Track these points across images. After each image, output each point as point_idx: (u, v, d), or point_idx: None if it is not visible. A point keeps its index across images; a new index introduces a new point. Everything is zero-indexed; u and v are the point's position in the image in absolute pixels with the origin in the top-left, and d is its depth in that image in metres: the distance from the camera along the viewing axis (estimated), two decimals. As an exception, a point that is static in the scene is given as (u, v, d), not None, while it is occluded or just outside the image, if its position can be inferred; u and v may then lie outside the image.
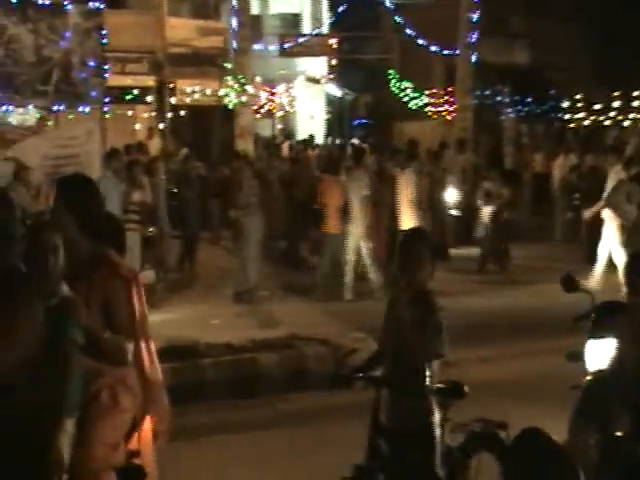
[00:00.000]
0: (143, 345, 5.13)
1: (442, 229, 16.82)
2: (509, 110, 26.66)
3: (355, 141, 25.96)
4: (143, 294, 5.12)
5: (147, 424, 5.15)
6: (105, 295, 4.80)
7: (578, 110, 30.14)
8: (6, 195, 4.81)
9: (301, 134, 26.60)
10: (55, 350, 4.38)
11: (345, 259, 13.93)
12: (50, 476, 4.28)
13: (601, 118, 29.39)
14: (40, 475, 4.28)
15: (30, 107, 15.68)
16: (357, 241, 13.87)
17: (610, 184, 14.18)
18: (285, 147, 21.63)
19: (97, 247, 4.95)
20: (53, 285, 4.63)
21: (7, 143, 15.32)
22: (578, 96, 29.80)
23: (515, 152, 23.25)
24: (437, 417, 5.26)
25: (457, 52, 23.27)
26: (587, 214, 14.74)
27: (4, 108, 15.69)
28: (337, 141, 25.55)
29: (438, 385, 5.24)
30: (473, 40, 22.74)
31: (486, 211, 16.00)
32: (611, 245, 13.79)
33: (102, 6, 16.33)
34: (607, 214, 13.85)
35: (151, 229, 14.08)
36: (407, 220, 14.23)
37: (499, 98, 27.43)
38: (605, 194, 14.03)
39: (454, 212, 17.41)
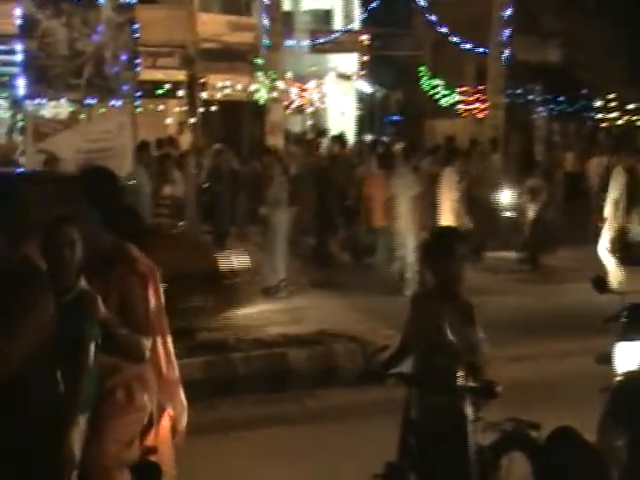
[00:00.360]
0: (160, 342, 5.06)
1: (481, 229, 16.76)
2: (541, 109, 26.53)
3: (384, 139, 25.90)
4: (161, 289, 5.06)
5: (165, 421, 5.10)
6: (122, 291, 4.75)
7: (611, 110, 29.94)
8: (11, 194, 4.80)
9: (332, 131, 26.58)
10: (69, 347, 4.34)
11: (395, 255, 13.97)
12: (61, 473, 4.26)
13: (634, 118, 29.18)
14: (51, 472, 4.26)
15: (63, 100, 15.73)
16: (404, 238, 13.86)
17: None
18: (322, 143, 21.67)
19: (117, 242, 4.89)
20: (70, 280, 4.58)
21: (40, 136, 15.42)
22: (611, 95, 29.59)
23: (546, 151, 23.12)
24: (469, 416, 5.24)
25: (489, 50, 23.17)
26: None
27: (37, 101, 15.76)
28: (368, 138, 25.49)
29: (471, 384, 5.22)
30: (505, 38, 22.63)
31: (532, 209, 15.96)
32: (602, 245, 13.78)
33: (134, 0, 16.36)
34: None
35: (181, 223, 14.13)
36: (448, 219, 14.24)
37: (531, 97, 27.30)
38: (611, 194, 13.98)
39: (509, 214, 17.22)
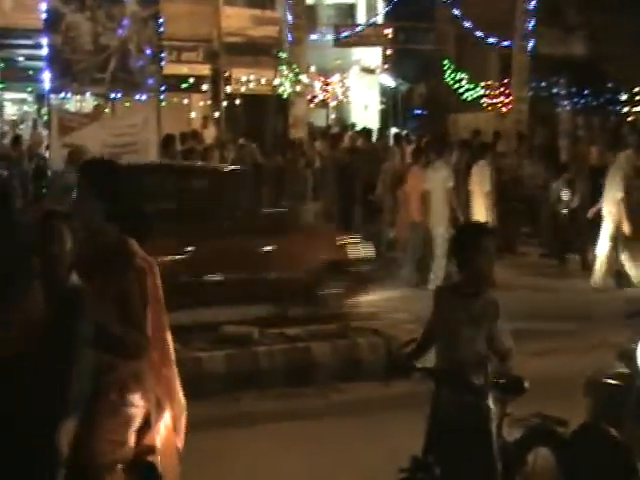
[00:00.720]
0: (158, 338, 4.91)
1: (513, 224, 16.74)
2: (565, 102, 26.40)
3: (408, 133, 25.84)
4: (159, 284, 4.90)
5: (165, 421, 4.95)
6: (119, 286, 4.64)
7: (636, 103, 29.71)
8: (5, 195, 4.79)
9: (356, 125, 26.55)
10: (61, 345, 4.27)
11: (428, 249, 14.01)
12: (47, 471, 4.21)
13: (661, 112, 28.95)
14: (36, 470, 4.21)
15: (87, 94, 15.82)
16: (437, 232, 13.87)
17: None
18: (346, 138, 21.68)
19: (119, 236, 4.79)
20: (61, 275, 4.48)
21: (65, 130, 15.51)
22: (636, 89, 29.37)
23: (570, 145, 23.00)
24: (494, 412, 5.22)
25: (513, 43, 23.07)
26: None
27: (62, 95, 15.85)
28: (392, 132, 25.45)
29: (496, 380, 5.20)
30: (529, 31, 22.53)
31: (569, 203, 15.93)
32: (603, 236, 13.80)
33: (159, -6, 16.43)
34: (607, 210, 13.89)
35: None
36: (480, 213, 14.23)
37: (555, 90, 27.15)
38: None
39: (564, 211, 17.08)
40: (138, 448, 4.77)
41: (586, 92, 29.49)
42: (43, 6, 15.47)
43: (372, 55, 28.94)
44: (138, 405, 4.73)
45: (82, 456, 4.40)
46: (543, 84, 27.28)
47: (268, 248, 11.60)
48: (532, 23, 22.48)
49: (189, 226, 11.08)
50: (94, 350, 4.44)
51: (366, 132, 21.06)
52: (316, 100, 26.20)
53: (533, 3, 22.41)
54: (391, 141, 21.32)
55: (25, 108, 22.82)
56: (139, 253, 4.81)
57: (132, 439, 4.73)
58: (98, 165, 5.22)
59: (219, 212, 11.50)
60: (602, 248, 13.88)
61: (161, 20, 16.28)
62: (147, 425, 4.80)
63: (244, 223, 11.42)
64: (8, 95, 22.32)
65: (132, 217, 5.02)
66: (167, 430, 4.95)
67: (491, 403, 5.19)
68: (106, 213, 4.70)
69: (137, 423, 4.75)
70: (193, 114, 23.08)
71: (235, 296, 11.17)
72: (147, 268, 4.79)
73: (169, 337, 5.03)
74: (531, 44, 22.64)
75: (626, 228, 13.53)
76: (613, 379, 6.25)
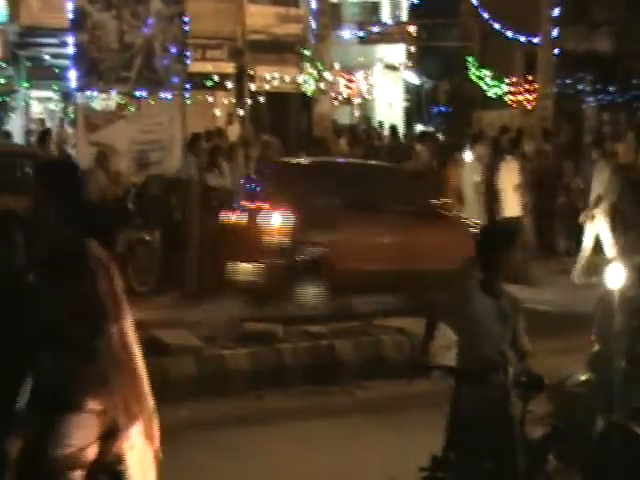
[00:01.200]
0: (119, 339, 4.61)
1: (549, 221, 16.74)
2: (590, 99, 26.26)
3: (426, 129, 25.82)
4: (118, 282, 4.66)
5: (135, 428, 4.61)
6: (74, 290, 4.46)
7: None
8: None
9: (381, 122, 26.56)
10: (9, 350, 4.28)
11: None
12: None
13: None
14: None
15: (113, 93, 15.91)
16: None
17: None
18: (382, 134, 21.80)
19: (75, 238, 4.59)
20: (10, 280, 4.45)
21: (92, 127, 15.61)
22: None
23: (596, 142, 22.86)
24: (516, 410, 5.24)
25: (537, 40, 22.99)
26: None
27: (88, 93, 15.94)
28: (418, 129, 25.46)
29: (519, 378, 5.23)
30: (555, 28, 22.44)
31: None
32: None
33: (184, -7, 16.50)
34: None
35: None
36: (511, 209, 14.27)
37: (580, 87, 27.02)
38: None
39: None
40: (104, 456, 4.55)
41: (612, 89, 29.33)
42: (69, 5, 15.57)
43: (396, 52, 28.90)
44: (98, 409, 4.50)
45: (39, 459, 4.31)
46: (568, 81, 27.14)
47: (443, 236, 12.04)
48: (558, 21, 22.37)
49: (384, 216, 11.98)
50: (53, 355, 4.38)
51: (392, 129, 21.13)
52: (340, 97, 26.21)
53: (558, 1, 22.32)
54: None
55: (51, 106, 22.95)
56: (96, 254, 4.59)
57: (93, 445, 4.50)
58: (54, 165, 5.10)
59: (403, 203, 12.43)
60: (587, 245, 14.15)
61: (186, 18, 16.33)
62: (114, 432, 4.54)
63: (421, 214, 12.15)
64: (34, 93, 22.45)
65: (91, 217, 4.88)
66: (138, 438, 4.63)
67: (513, 400, 5.22)
68: (63, 214, 4.55)
69: (99, 428, 4.51)
70: (218, 112, 23.16)
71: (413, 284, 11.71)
72: (102, 268, 4.57)
73: (132, 335, 4.69)
74: (556, 41, 22.53)
75: None
76: (577, 386, 6.20)
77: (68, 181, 4.66)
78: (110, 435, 4.51)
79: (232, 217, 12.53)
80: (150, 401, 4.64)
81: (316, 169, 13.35)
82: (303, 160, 14.68)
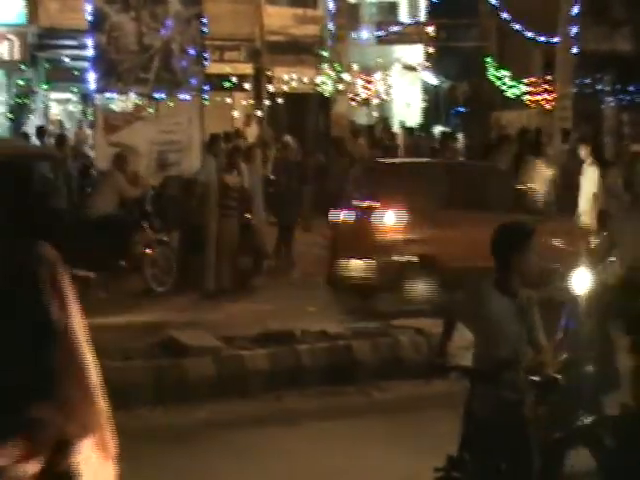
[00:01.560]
0: (67, 344, 4.33)
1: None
2: (610, 99, 26.15)
3: (446, 129, 25.78)
4: (64, 288, 4.34)
5: (87, 440, 4.29)
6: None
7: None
8: None
9: (397, 122, 26.58)
10: None
11: None
12: None
13: None
14: None
15: (132, 94, 15.96)
16: None
17: None
18: (399, 135, 21.83)
19: (17, 244, 4.32)
20: None
21: (111, 128, 15.68)
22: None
23: (615, 142, 22.81)
24: (532, 410, 5.25)
25: (556, 39, 22.90)
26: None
27: (107, 95, 16.00)
28: (437, 130, 25.44)
29: (533, 378, 5.22)
30: (574, 27, 22.35)
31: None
32: None
33: (202, -6, 16.54)
34: None
35: (248, 215, 14.26)
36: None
37: (600, 87, 26.91)
38: None
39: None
40: (53, 470, 4.23)
41: (631, 88, 29.21)
42: (88, 7, 15.63)
43: (414, 53, 28.92)
44: (38, 420, 4.25)
45: None
46: (587, 80, 27.05)
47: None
48: (577, 20, 22.27)
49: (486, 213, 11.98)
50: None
51: (409, 130, 21.15)
52: (358, 98, 26.23)
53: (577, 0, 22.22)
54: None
55: (70, 108, 23.07)
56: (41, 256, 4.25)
57: (34, 456, 4.20)
58: None
59: (502, 200, 12.65)
60: None
61: (204, 20, 16.38)
62: (64, 445, 4.30)
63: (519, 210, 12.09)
64: (54, 95, 22.58)
65: (42, 218, 4.63)
66: (93, 450, 4.35)
67: (529, 401, 5.22)
68: (6, 219, 4.44)
69: (44, 440, 4.24)
70: (236, 113, 23.24)
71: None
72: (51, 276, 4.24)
73: (84, 342, 4.40)
74: (575, 40, 22.44)
75: None
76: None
77: (10, 185, 4.47)
78: (60, 448, 3.77)
79: (341, 215, 13.10)
80: (105, 410, 3.96)
81: (422, 169, 14.02)
82: (409, 160, 15.70)
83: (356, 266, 12.61)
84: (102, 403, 3.92)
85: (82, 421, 3.86)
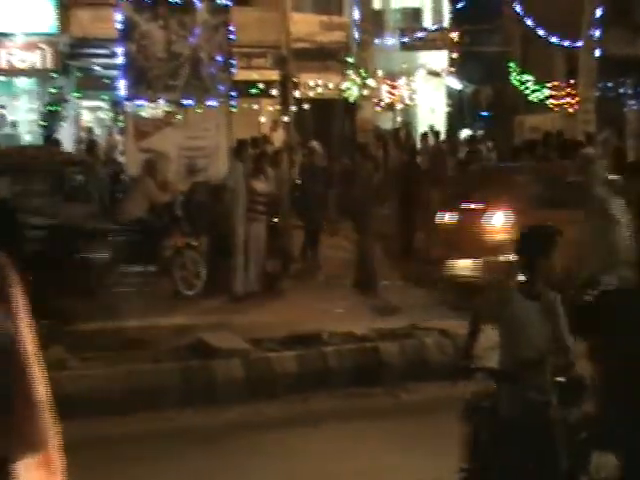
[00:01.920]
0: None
1: None
2: (632, 102, 26.15)
3: (473, 133, 25.85)
4: (12, 296, 3.52)
5: (36, 457, 3.32)
6: None
7: None
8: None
9: (422, 127, 26.67)
10: None
11: None
12: None
13: None
14: None
15: (161, 101, 16.20)
16: None
17: None
18: (429, 139, 21.91)
19: None
20: None
21: (141, 135, 15.92)
22: None
23: (638, 145, 22.82)
24: (558, 411, 5.31)
25: (579, 44, 22.97)
26: None
27: (137, 102, 16.24)
28: (463, 134, 25.51)
29: (559, 379, 5.30)
30: (597, 32, 22.41)
31: None
32: None
33: (229, 3, 16.74)
34: None
35: (275, 219, 14.48)
36: None
37: (622, 90, 26.90)
38: None
39: None
40: None
41: (655, 92, 29.18)
42: (118, 16, 15.89)
43: (438, 58, 28.99)
44: None
45: None
46: (610, 84, 27.07)
47: None
48: (600, 25, 22.34)
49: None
50: None
51: (435, 134, 21.27)
52: (382, 104, 26.36)
53: (600, 5, 22.29)
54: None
55: (101, 115, 23.36)
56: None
57: None
58: None
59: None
60: None
61: (231, 28, 16.59)
62: (4, 464, 3.59)
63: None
64: (85, 103, 22.87)
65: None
66: (37, 470, 3.67)
67: (555, 402, 5.29)
68: None
69: None
70: (263, 119, 23.44)
71: None
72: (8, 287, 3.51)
73: (31, 352, 3.63)
74: (598, 44, 22.50)
75: None
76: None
77: None
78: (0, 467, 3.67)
79: (446, 217, 13.54)
80: (52, 426, 3.68)
81: (520, 171, 14.25)
82: (510, 164, 16.08)
83: (465, 265, 12.97)
84: (49, 419, 3.64)
85: (27, 440, 3.62)
